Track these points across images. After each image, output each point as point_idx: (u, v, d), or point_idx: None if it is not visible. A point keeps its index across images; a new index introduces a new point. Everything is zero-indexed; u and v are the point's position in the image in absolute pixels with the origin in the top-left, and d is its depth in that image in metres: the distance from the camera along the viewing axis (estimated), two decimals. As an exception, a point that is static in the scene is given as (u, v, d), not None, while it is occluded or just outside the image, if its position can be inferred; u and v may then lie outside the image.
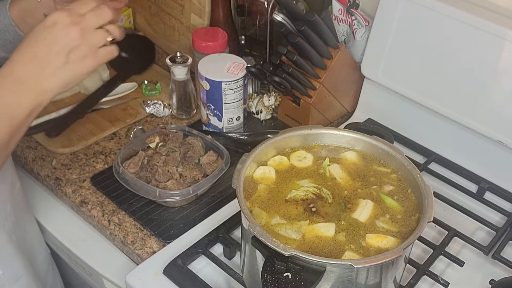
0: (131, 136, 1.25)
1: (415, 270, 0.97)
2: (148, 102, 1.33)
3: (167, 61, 1.25)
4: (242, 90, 1.20)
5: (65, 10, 0.80)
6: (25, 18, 0.97)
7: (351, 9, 1.24)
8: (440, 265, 1.00)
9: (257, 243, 0.79)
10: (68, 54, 0.80)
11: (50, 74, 0.80)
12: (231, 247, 0.99)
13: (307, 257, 0.76)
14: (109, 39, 0.84)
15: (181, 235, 1.03)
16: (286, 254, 0.76)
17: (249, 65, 1.18)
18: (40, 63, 0.80)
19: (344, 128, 1.11)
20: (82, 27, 0.81)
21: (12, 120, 0.79)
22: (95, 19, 0.82)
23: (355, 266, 0.76)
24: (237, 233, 1.03)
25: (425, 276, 0.96)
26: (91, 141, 1.25)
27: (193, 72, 1.32)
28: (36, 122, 1.26)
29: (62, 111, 1.30)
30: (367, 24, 1.25)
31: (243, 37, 1.41)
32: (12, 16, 0.96)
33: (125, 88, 1.38)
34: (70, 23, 0.80)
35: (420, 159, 1.22)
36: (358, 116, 1.32)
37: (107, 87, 1.37)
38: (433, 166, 1.19)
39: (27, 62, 0.79)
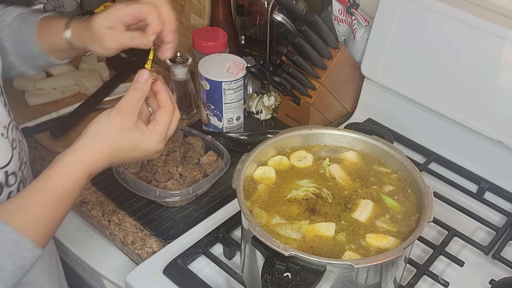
0: (131, 136, 1.24)
1: (415, 270, 0.97)
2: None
3: (167, 61, 1.25)
4: (242, 90, 1.20)
5: (153, 134, 0.83)
6: (59, 54, 0.97)
7: (351, 9, 1.24)
8: (440, 265, 1.00)
9: (257, 243, 0.79)
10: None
11: (118, 163, 0.85)
12: (231, 247, 0.99)
13: (307, 257, 0.76)
14: None
15: (181, 235, 1.03)
16: (286, 254, 0.76)
17: (249, 65, 1.18)
18: (115, 158, 0.81)
19: (344, 128, 1.11)
20: (166, 138, 0.86)
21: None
22: (174, 127, 0.87)
23: (355, 266, 0.76)
24: (237, 233, 1.03)
25: (425, 276, 0.96)
26: (91, 141, 1.24)
27: (193, 72, 1.32)
28: (37, 122, 1.26)
29: (62, 111, 1.30)
30: (367, 24, 1.25)
31: (243, 37, 1.41)
32: (42, 47, 0.95)
33: (125, 88, 1.38)
34: (159, 144, 0.84)
35: (420, 159, 1.22)
36: (358, 116, 1.32)
37: (108, 87, 1.37)
38: (433, 166, 1.19)
39: (103, 155, 0.79)
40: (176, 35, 0.88)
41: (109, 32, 0.88)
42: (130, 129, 0.80)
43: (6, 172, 0.81)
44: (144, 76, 0.83)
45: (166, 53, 0.89)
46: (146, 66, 0.86)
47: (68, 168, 0.77)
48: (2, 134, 0.82)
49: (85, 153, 0.79)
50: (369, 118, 1.30)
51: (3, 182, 0.80)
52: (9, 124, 0.84)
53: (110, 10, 0.90)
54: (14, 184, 0.83)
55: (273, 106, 1.30)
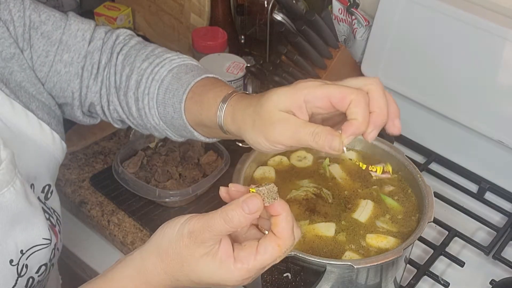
0: (131, 136, 1.24)
1: (416, 270, 0.96)
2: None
3: (167, 60, 1.25)
4: (242, 90, 1.20)
5: (243, 268, 0.59)
6: (205, 131, 0.79)
7: (351, 9, 1.24)
8: (441, 266, 1.00)
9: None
10: None
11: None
12: (231, 247, 0.99)
13: (307, 257, 0.75)
14: None
15: (180, 235, 1.03)
16: (286, 254, 0.75)
17: (249, 65, 1.18)
18: (174, 284, 0.63)
19: (344, 128, 1.11)
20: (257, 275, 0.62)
21: None
22: (275, 262, 0.61)
23: (355, 267, 0.76)
24: (237, 233, 1.03)
25: (425, 276, 0.96)
26: (90, 141, 1.24)
27: (192, 72, 1.31)
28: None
29: (62, 111, 1.30)
30: (367, 23, 1.24)
31: (243, 36, 1.41)
32: (187, 118, 0.77)
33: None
34: (244, 281, 0.61)
35: (420, 159, 1.21)
36: (358, 116, 1.32)
37: (107, 87, 1.36)
38: (433, 166, 1.19)
39: (160, 279, 0.62)
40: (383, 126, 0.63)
41: (286, 118, 0.62)
42: (199, 258, 0.60)
43: None
44: (251, 206, 0.58)
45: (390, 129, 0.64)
46: (251, 190, 0.59)
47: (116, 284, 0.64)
48: (11, 261, 0.70)
49: (139, 273, 0.63)
50: (369, 118, 1.30)
51: None
52: (32, 247, 0.72)
53: (294, 86, 0.63)
54: None
55: (273, 106, 1.30)
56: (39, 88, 0.82)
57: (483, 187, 1.14)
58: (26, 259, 0.73)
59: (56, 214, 0.81)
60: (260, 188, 0.59)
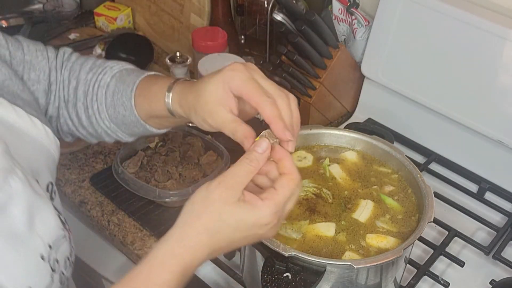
0: (131, 136, 1.24)
1: (416, 270, 0.96)
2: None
3: (167, 61, 1.25)
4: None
5: (268, 205, 0.66)
6: (157, 122, 0.85)
7: (351, 9, 1.24)
8: (441, 266, 1.00)
9: (257, 243, 0.79)
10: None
11: (217, 254, 0.68)
12: (231, 247, 0.99)
13: (307, 257, 0.75)
14: None
15: (180, 235, 1.03)
16: (286, 254, 0.75)
17: (249, 65, 1.18)
18: (215, 244, 0.67)
19: (344, 128, 1.11)
20: (283, 214, 0.69)
21: None
22: (294, 202, 0.70)
23: (355, 267, 0.75)
24: (236, 233, 1.03)
25: (425, 276, 0.96)
26: (90, 141, 1.24)
27: (192, 72, 1.31)
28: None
29: (62, 111, 1.30)
30: (367, 23, 1.24)
31: (243, 36, 1.41)
32: (139, 113, 0.83)
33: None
34: (276, 224, 0.68)
35: (420, 159, 1.21)
36: (358, 116, 1.32)
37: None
38: (434, 166, 1.19)
39: (199, 240, 0.65)
40: (288, 134, 0.70)
41: (216, 112, 0.72)
42: (233, 204, 0.65)
43: None
44: (262, 146, 0.67)
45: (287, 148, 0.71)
46: (256, 139, 0.70)
47: (156, 266, 0.64)
48: (43, 257, 0.69)
49: (177, 241, 0.65)
50: (369, 118, 1.30)
51: None
52: (56, 239, 0.72)
53: (224, 79, 0.71)
54: None
55: (273, 106, 1.30)
56: (20, 86, 0.81)
57: (483, 187, 1.14)
58: (56, 253, 0.72)
59: (62, 215, 0.80)
60: (262, 134, 0.70)
